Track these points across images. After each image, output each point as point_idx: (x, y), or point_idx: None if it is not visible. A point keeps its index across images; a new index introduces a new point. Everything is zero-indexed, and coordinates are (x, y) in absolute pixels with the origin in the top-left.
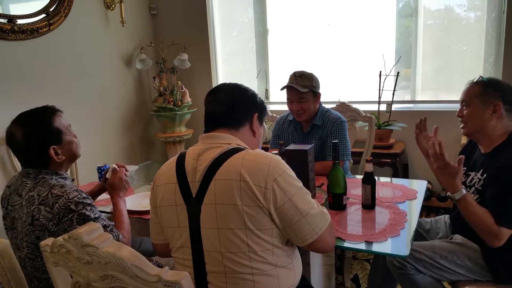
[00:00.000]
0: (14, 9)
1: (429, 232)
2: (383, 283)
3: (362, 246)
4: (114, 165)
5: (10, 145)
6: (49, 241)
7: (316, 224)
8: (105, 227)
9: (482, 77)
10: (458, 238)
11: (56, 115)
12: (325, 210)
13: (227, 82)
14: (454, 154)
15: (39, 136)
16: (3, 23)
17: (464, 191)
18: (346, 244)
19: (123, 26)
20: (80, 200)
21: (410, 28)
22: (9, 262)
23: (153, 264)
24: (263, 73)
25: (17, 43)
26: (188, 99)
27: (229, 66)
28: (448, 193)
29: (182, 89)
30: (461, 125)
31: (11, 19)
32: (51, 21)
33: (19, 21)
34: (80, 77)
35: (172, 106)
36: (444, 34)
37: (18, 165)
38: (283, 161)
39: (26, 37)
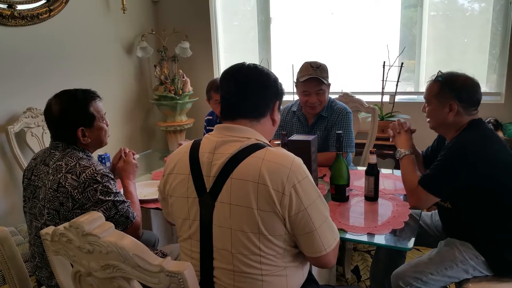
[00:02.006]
0: None
1: (430, 225)
2: (385, 275)
3: (364, 238)
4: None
5: (46, 115)
6: (49, 229)
7: (327, 240)
8: (123, 202)
9: (440, 75)
10: (450, 241)
11: (94, 100)
12: (335, 227)
13: (245, 62)
14: None
15: (73, 115)
16: (3, 9)
17: (409, 152)
18: (348, 236)
19: (124, 13)
20: (106, 174)
21: (414, 19)
22: (9, 250)
23: (157, 253)
24: (266, 62)
25: (17, 29)
26: (189, 88)
27: (231, 55)
28: (398, 150)
29: (183, 78)
30: (427, 120)
31: (11, 4)
32: (51, 7)
33: (19, 7)
34: (80, 64)
35: (173, 95)
36: (448, 25)
37: (19, 152)
38: (304, 166)
39: (26, 23)
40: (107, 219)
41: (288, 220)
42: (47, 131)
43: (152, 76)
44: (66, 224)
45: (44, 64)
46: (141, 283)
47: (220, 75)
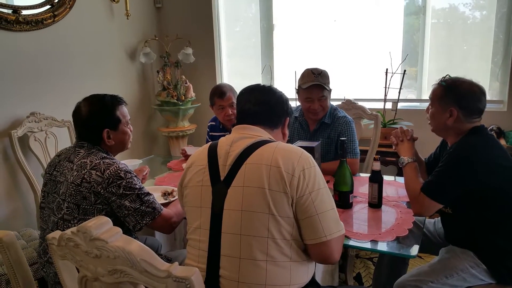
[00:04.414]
0: (19, 0)
1: (432, 233)
2: (388, 282)
3: (368, 245)
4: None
5: (74, 117)
6: (56, 234)
7: (328, 227)
8: (148, 194)
9: (445, 79)
10: (451, 249)
11: (121, 105)
12: (340, 221)
13: (260, 83)
14: None
15: (100, 117)
16: (8, 14)
17: (411, 160)
18: (352, 243)
19: (127, 19)
20: (129, 171)
21: (416, 26)
22: (15, 254)
23: (162, 258)
24: (268, 68)
25: (21, 34)
26: (191, 93)
27: (234, 61)
28: (402, 157)
29: (186, 83)
30: (429, 122)
31: (16, 9)
32: (55, 13)
33: (24, 12)
34: (84, 69)
35: (175, 101)
36: (450, 33)
37: (22, 157)
38: (312, 158)
39: (31, 28)
40: (133, 211)
41: (294, 202)
42: (50, 135)
43: (155, 81)
44: (74, 228)
45: (48, 69)
46: None
47: (221, 84)
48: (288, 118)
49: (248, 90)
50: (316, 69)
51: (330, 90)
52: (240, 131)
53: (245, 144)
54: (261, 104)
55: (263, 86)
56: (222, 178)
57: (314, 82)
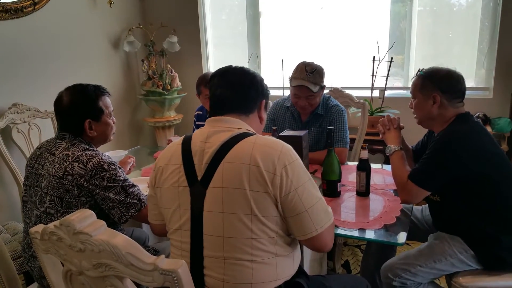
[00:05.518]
0: None
1: (420, 220)
2: (376, 269)
3: (356, 233)
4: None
5: (56, 106)
6: (39, 228)
7: (318, 220)
8: (133, 186)
9: (422, 70)
10: (440, 235)
11: (104, 95)
12: (329, 209)
13: (232, 65)
14: None
15: (82, 107)
16: None
17: (398, 148)
18: (340, 231)
19: (110, 6)
20: (112, 162)
21: (402, 13)
22: None
23: (149, 250)
24: (255, 57)
25: (0, 22)
26: (177, 83)
27: (220, 50)
28: (389, 146)
29: (171, 72)
30: (414, 116)
31: None
32: (36, 1)
33: (2, 0)
34: (66, 59)
35: (161, 90)
36: (437, 20)
37: (5, 149)
38: (294, 151)
39: (10, 17)
40: (118, 203)
41: (280, 201)
42: (34, 127)
43: (140, 71)
44: (57, 222)
45: (30, 58)
46: (134, 282)
47: (208, 73)
48: (265, 100)
49: (219, 73)
50: (310, 65)
51: (324, 86)
52: (214, 124)
53: (221, 140)
54: (233, 87)
55: (235, 67)
56: (199, 178)
57: (303, 82)
